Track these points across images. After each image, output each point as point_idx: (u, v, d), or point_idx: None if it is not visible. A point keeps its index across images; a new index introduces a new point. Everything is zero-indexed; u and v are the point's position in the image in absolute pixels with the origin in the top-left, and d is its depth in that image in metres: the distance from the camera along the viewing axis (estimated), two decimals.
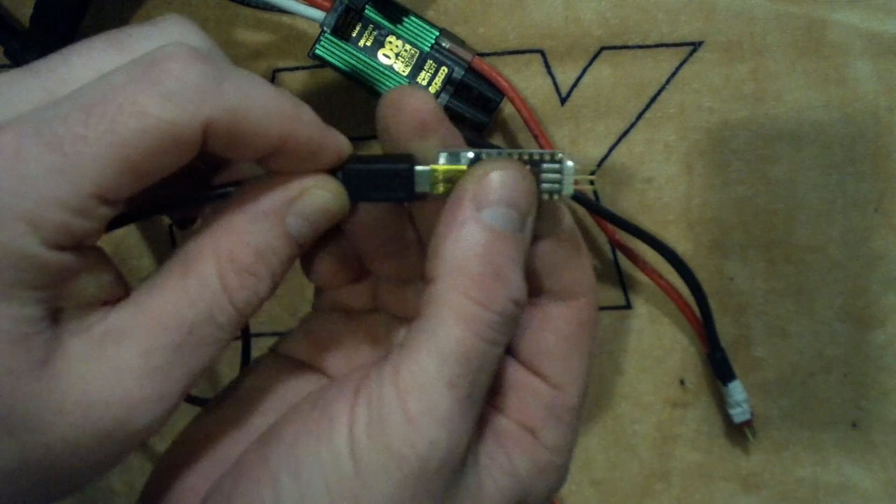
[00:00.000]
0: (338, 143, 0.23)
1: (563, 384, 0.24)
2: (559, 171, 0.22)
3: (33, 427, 0.19)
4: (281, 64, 0.37)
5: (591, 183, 0.23)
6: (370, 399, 0.21)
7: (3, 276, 0.18)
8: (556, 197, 0.22)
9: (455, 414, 0.20)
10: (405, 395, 0.20)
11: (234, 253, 0.21)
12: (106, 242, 0.21)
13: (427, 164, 0.22)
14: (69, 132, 0.19)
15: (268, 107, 0.21)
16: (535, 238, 0.23)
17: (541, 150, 0.22)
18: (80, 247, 0.20)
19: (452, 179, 0.22)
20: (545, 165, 0.22)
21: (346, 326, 0.27)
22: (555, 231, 0.24)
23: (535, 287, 0.24)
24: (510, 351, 0.24)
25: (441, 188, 0.22)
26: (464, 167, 0.22)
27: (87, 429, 0.20)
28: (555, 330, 0.24)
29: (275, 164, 0.22)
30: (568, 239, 0.24)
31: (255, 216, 0.22)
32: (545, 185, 0.22)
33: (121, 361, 0.20)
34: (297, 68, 0.37)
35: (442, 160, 0.22)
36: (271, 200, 0.22)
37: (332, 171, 0.23)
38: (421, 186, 0.22)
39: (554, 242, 0.24)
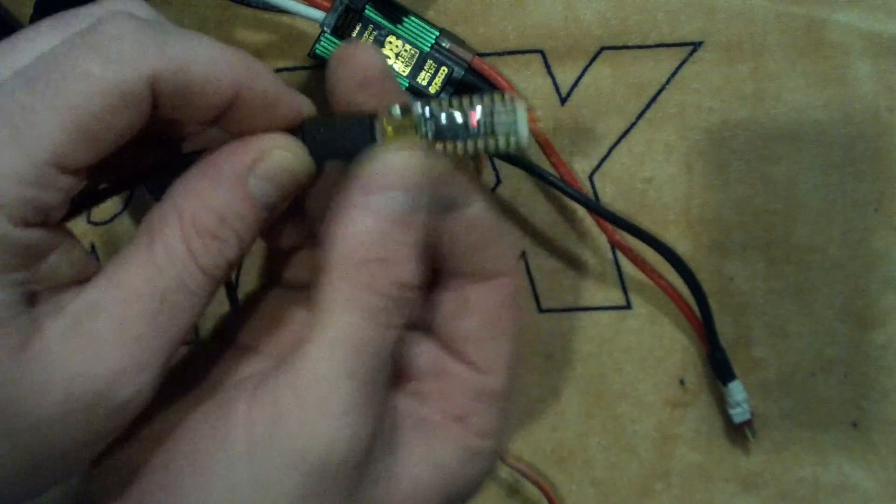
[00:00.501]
0: (296, 99, 0.22)
1: (490, 368, 0.23)
2: (513, 114, 0.22)
3: (17, 411, 0.19)
4: (281, 64, 0.37)
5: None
6: (266, 399, 0.21)
7: None
8: (512, 140, 0.22)
9: (355, 406, 0.20)
10: (301, 391, 0.20)
11: (196, 217, 0.21)
12: (99, 235, 0.21)
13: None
14: (17, 104, 0.19)
15: (215, 57, 0.20)
16: (449, 216, 0.23)
17: (492, 94, 0.22)
18: (48, 223, 0.20)
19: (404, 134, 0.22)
20: (498, 108, 0.22)
21: (292, 304, 0.26)
22: (469, 207, 0.23)
23: (452, 268, 0.24)
24: (432, 336, 0.24)
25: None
26: (415, 121, 0.21)
27: (71, 405, 0.20)
28: (476, 312, 0.23)
29: (232, 123, 0.22)
30: (485, 217, 0.23)
31: (216, 180, 0.21)
32: (501, 130, 0.22)
33: (97, 334, 0.20)
34: (297, 68, 0.37)
35: (395, 112, 0.22)
36: (231, 163, 0.21)
37: (293, 131, 0.22)
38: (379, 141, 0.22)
39: (469, 221, 0.23)
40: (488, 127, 0.22)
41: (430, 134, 0.22)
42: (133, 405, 0.21)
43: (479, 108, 0.22)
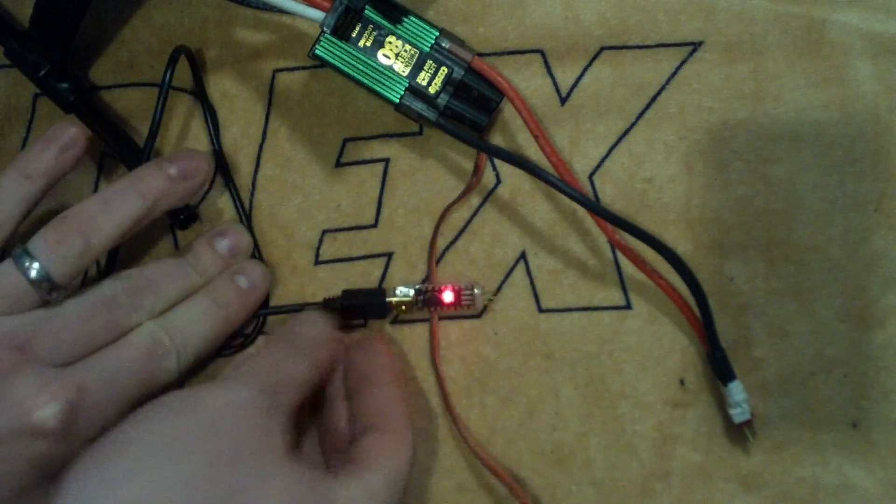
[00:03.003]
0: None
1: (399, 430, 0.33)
2: (472, 300, 0.35)
3: None
4: (281, 64, 0.37)
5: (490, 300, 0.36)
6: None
7: None
8: (472, 311, 0.36)
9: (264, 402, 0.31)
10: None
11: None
12: None
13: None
14: None
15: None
16: (367, 390, 0.34)
17: (463, 286, 0.35)
18: None
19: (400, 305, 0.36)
20: (464, 294, 0.35)
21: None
22: (382, 387, 0.34)
23: (362, 426, 0.33)
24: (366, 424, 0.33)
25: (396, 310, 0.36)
26: (409, 298, 0.35)
27: None
28: (383, 399, 0.34)
29: None
30: (390, 395, 0.34)
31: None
32: (463, 308, 0.36)
33: None
34: (297, 68, 0.37)
35: (398, 292, 0.36)
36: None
37: (333, 298, 0.36)
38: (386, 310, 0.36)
39: (376, 396, 0.34)
40: (455, 305, 0.35)
41: (417, 303, 0.35)
42: None
43: (447, 293, 0.35)
